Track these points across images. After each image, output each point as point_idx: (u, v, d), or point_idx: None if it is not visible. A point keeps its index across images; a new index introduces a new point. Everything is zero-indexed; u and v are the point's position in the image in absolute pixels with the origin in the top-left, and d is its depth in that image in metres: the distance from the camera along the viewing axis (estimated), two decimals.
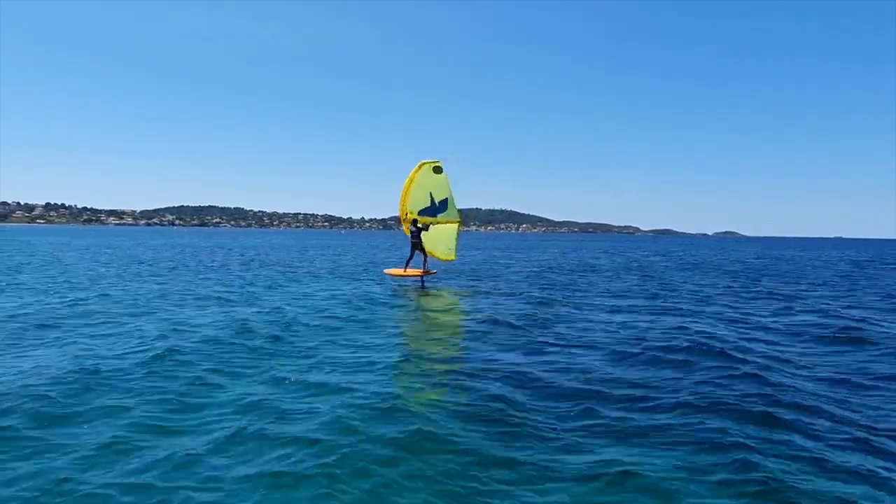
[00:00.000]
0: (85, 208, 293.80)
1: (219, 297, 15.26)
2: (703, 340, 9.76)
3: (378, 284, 19.47)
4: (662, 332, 10.81)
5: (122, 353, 8.43)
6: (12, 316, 11.58)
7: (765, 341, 10.37)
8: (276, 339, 9.71)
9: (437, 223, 18.66)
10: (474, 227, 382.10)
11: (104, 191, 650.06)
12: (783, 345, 10.12)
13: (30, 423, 5.65)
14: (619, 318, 12.77)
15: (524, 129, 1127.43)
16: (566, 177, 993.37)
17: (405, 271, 19.12)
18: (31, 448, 5.13)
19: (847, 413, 6.34)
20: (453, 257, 19.34)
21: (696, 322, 12.20)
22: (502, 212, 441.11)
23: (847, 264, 39.57)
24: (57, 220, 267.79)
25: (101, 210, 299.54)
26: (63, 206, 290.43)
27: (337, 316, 12.42)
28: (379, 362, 8.28)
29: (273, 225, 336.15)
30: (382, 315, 12.87)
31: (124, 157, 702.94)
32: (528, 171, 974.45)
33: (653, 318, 12.82)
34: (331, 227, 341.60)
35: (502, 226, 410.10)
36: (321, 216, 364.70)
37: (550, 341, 9.98)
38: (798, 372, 8.17)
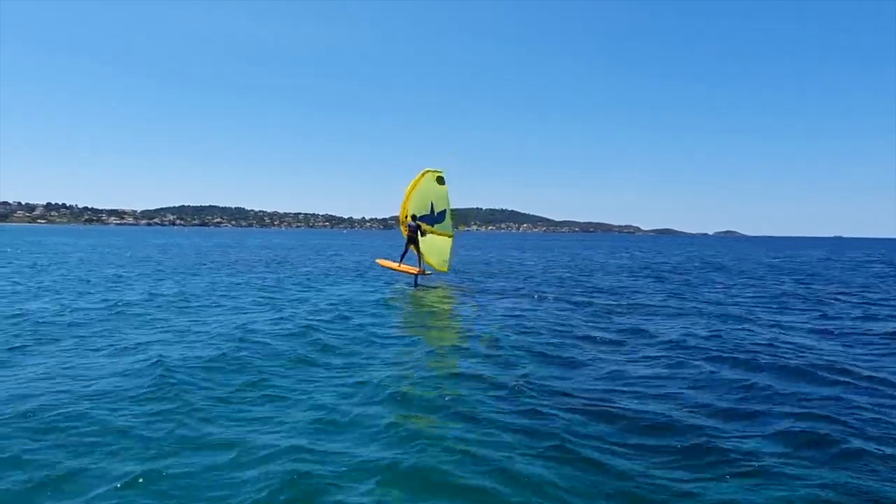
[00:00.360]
0: (86, 208, 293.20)
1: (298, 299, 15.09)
2: (810, 356, 9.28)
3: (421, 285, 19.07)
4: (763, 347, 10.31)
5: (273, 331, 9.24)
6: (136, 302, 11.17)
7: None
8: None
9: (433, 233, 19.06)
10: (475, 227, 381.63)
11: (105, 191, 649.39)
12: None
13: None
14: (700, 328, 12.26)
15: (524, 129, 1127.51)
16: (566, 177, 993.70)
17: (399, 266, 19.35)
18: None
19: None
20: (446, 269, 19.81)
21: (785, 333, 11.68)
22: (503, 211, 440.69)
23: (882, 265, 39.05)
24: (58, 220, 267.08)
25: (101, 210, 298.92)
26: (64, 205, 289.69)
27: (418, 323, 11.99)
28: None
29: (274, 225, 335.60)
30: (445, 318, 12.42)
31: (125, 157, 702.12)
32: (529, 171, 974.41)
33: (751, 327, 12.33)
34: (331, 227, 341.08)
35: (503, 225, 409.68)
36: (322, 216, 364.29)
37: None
38: None
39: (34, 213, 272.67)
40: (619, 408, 6.62)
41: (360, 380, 7.61)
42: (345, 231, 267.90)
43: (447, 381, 7.65)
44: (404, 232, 18.88)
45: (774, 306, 15.95)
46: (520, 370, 8.27)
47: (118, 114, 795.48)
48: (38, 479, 4.65)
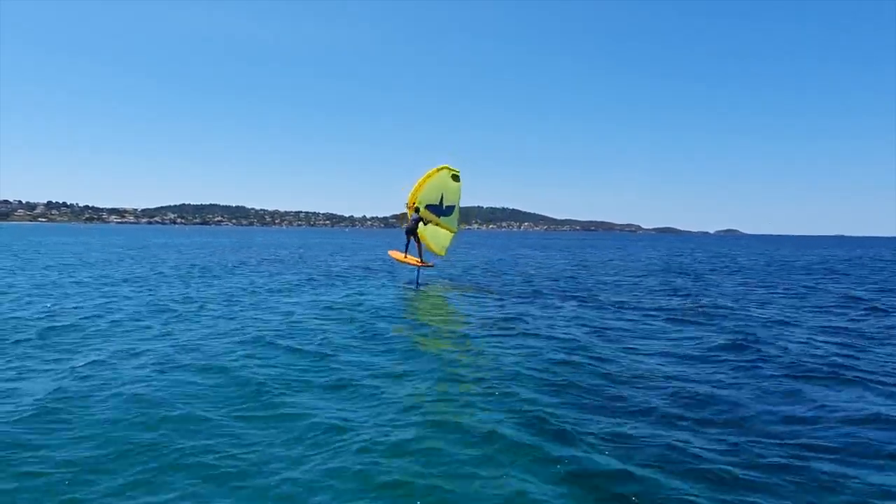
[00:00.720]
0: (87, 207, 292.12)
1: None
2: None
3: (446, 281, 18.60)
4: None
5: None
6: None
7: None
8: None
9: (438, 225, 19.37)
10: (476, 226, 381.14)
11: (105, 189, 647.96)
12: None
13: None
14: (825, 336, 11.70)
15: (524, 128, 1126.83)
16: (567, 176, 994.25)
17: (405, 257, 19.65)
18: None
19: None
20: (443, 254, 20.54)
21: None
22: (503, 210, 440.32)
23: None
24: (59, 219, 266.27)
25: (102, 209, 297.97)
26: (64, 204, 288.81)
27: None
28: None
29: (275, 223, 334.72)
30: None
31: (125, 156, 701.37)
32: (529, 170, 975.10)
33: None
34: (332, 226, 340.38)
35: (504, 224, 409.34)
36: (323, 214, 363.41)
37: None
38: None
39: (35, 211, 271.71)
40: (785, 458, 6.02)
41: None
42: (347, 230, 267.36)
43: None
44: (409, 214, 18.87)
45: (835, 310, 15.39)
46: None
47: (118, 113, 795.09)
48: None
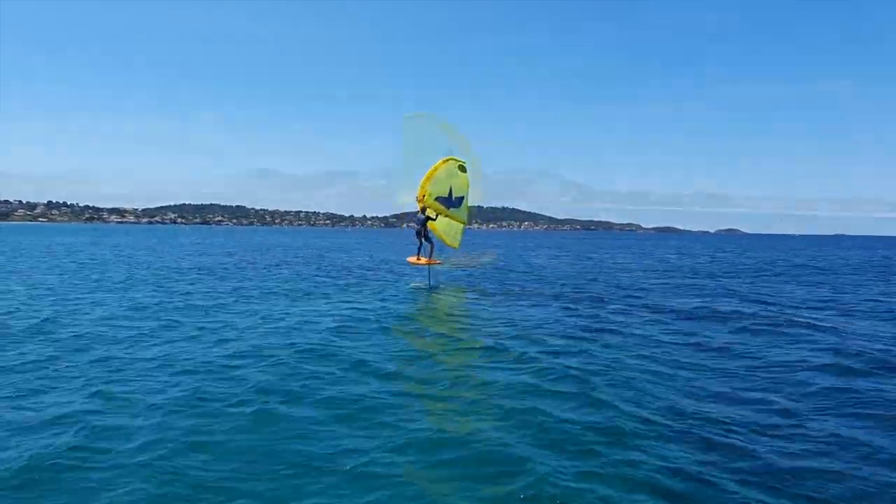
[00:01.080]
0: (87, 206, 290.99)
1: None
2: None
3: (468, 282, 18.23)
4: None
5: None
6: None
7: None
8: None
9: (448, 216, 19.64)
10: (476, 225, 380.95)
11: (105, 189, 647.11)
12: None
13: None
14: None
15: (525, 128, 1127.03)
16: (567, 175, 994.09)
17: (418, 259, 20.03)
18: None
19: None
20: (456, 246, 20.86)
21: None
22: (504, 210, 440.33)
23: None
24: (59, 219, 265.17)
25: (102, 209, 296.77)
26: (65, 204, 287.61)
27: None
28: None
29: (275, 223, 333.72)
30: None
31: (125, 155, 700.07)
32: (529, 168, 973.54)
33: None
34: (332, 226, 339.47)
35: (504, 223, 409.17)
36: (323, 214, 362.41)
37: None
38: None
39: (35, 211, 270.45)
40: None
41: None
42: (348, 229, 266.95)
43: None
44: (419, 205, 18.90)
45: None
46: None
47: (119, 112, 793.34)
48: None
